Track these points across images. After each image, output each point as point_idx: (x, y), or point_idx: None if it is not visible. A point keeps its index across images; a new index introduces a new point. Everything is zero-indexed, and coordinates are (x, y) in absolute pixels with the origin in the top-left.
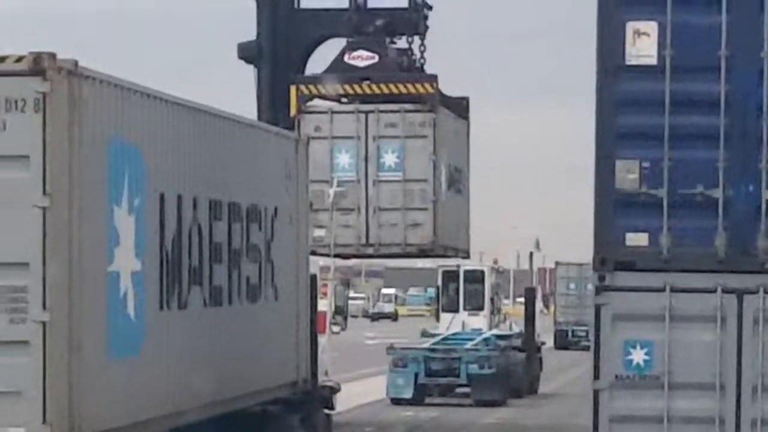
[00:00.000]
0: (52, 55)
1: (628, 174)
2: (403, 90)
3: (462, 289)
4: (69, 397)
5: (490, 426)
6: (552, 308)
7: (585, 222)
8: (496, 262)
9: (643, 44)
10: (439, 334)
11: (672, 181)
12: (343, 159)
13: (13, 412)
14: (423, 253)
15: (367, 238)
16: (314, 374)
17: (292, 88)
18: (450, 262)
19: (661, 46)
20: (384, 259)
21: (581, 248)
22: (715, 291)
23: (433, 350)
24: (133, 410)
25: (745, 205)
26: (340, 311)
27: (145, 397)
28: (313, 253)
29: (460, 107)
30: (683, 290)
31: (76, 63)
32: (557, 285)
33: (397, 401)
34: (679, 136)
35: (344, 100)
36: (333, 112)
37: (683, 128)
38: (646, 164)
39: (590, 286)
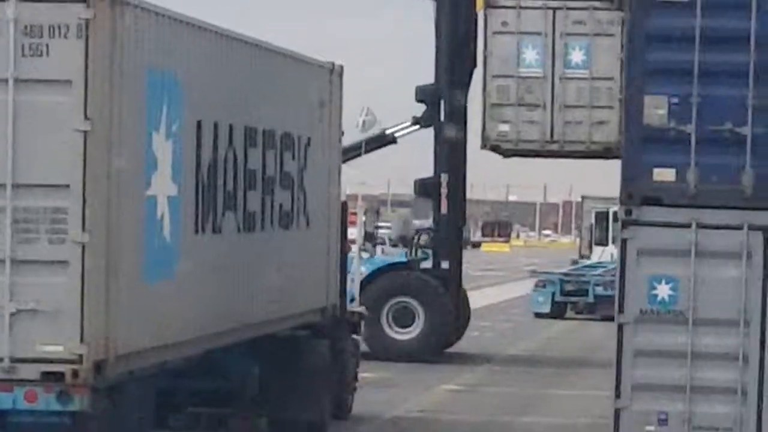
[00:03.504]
0: None
1: (656, 109)
2: None
3: (611, 226)
4: (106, 317)
5: (512, 357)
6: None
7: None
8: None
9: None
10: (579, 262)
11: (701, 117)
12: (530, 55)
13: (52, 330)
14: (607, 153)
15: (552, 134)
16: (343, 300)
17: None
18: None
19: None
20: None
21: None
22: (741, 228)
23: (567, 274)
24: (166, 332)
25: None
26: (370, 238)
27: (179, 319)
28: (496, 148)
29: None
30: (709, 226)
31: None
32: (583, 218)
33: (539, 315)
34: (708, 73)
35: None
36: (521, 8)
37: (713, 65)
38: (674, 100)
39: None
